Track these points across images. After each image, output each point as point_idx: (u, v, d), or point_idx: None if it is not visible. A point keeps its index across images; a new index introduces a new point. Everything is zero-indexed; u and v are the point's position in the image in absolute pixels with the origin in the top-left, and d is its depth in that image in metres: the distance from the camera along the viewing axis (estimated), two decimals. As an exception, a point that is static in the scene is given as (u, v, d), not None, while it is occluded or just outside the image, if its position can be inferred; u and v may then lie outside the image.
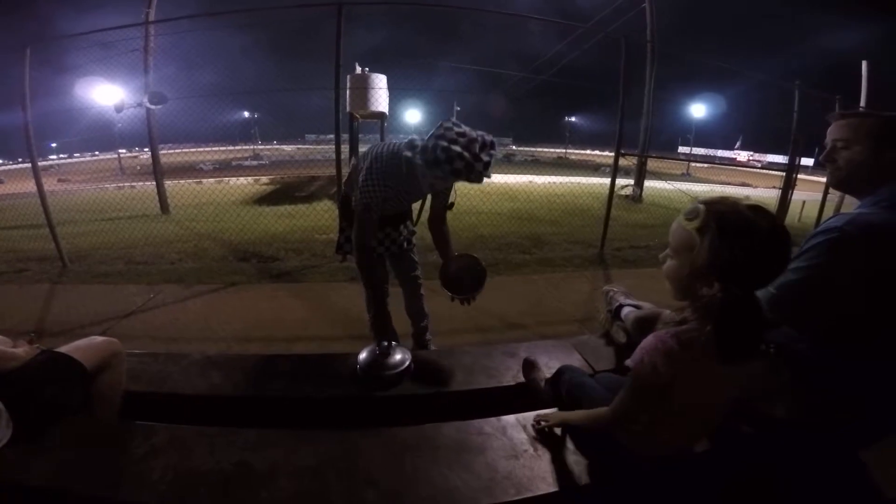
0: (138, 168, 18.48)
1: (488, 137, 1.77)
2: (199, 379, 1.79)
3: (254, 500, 1.19)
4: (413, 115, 38.97)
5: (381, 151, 1.98)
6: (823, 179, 4.22)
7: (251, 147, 36.20)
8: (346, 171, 4.50)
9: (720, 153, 44.23)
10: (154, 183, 8.88)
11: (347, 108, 9.62)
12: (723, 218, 0.96)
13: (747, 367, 1.09)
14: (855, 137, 1.27)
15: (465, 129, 1.75)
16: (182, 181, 10.92)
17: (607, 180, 5.82)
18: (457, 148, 1.67)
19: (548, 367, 1.88)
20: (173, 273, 4.68)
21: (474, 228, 6.53)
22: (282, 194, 11.45)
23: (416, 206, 2.39)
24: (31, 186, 5.04)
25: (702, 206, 0.99)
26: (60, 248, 4.93)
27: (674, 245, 1.06)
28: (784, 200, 6.91)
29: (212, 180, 14.24)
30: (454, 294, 2.11)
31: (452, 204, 2.16)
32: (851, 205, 1.33)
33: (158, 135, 9.24)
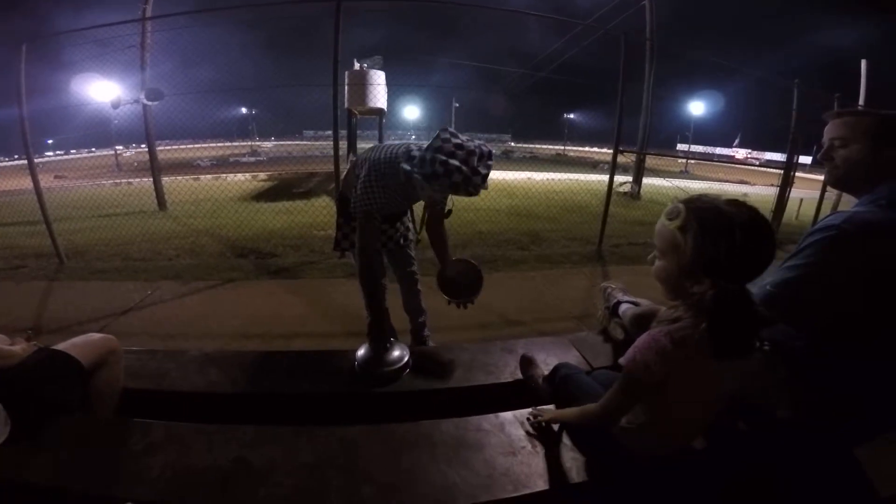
0: (135, 164, 18.43)
1: (486, 148, 1.75)
2: (197, 376, 1.79)
3: (252, 497, 1.19)
4: (412, 112, 38.91)
5: (379, 157, 1.96)
6: (821, 177, 4.23)
7: (249, 143, 36.07)
8: (344, 167, 4.50)
9: (718, 151, 44.27)
10: (151, 179, 8.86)
11: (346, 105, 9.62)
12: (702, 215, 0.98)
13: (743, 363, 1.09)
14: (852, 136, 1.27)
15: (462, 139, 1.73)
16: (179, 177, 10.88)
17: (606, 177, 5.83)
18: (455, 162, 1.66)
19: (545, 363, 1.89)
20: (171, 270, 4.67)
21: (472, 225, 6.52)
22: (280, 190, 11.41)
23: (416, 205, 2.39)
24: (27, 183, 5.02)
25: (681, 206, 1.01)
26: (57, 245, 4.92)
27: (660, 246, 1.07)
28: (782, 198, 6.94)
29: (209, 176, 14.20)
30: (451, 298, 2.12)
31: (450, 211, 2.16)
32: (849, 203, 1.34)
33: (155, 131, 9.20)
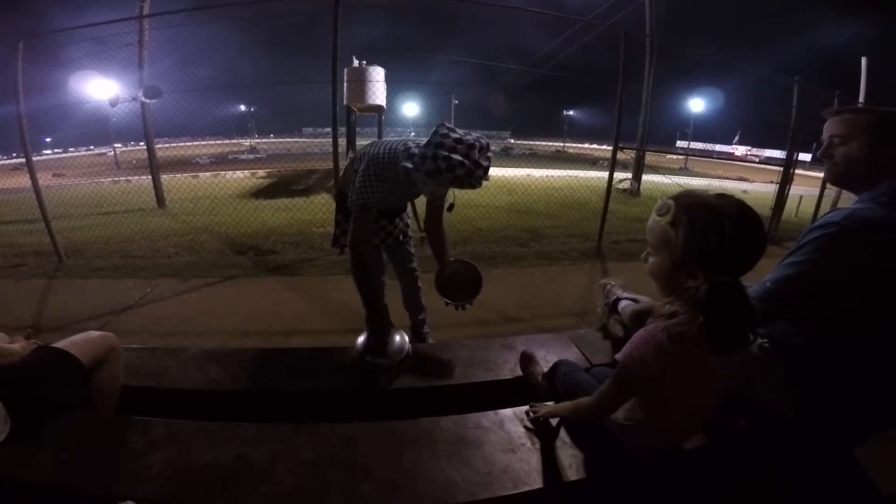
0: (134, 162, 18.40)
1: (484, 140, 1.77)
2: (197, 373, 1.79)
3: (253, 495, 1.19)
4: (411, 109, 38.86)
5: (378, 153, 1.96)
6: (821, 175, 4.23)
7: (248, 140, 36.02)
8: (343, 164, 4.49)
9: (718, 148, 44.26)
10: (150, 177, 8.85)
11: (345, 102, 9.60)
12: (692, 209, 0.99)
13: (739, 357, 1.10)
14: (852, 133, 1.27)
15: (460, 133, 1.74)
16: (178, 175, 10.87)
17: (605, 174, 5.83)
18: (457, 156, 1.67)
19: (545, 360, 1.89)
20: (170, 267, 4.66)
21: (472, 221, 6.52)
22: (279, 187, 11.41)
23: (414, 201, 2.39)
24: (25, 181, 5.01)
25: (671, 201, 1.03)
26: (56, 243, 4.91)
27: (652, 242, 1.08)
28: (781, 195, 6.94)
29: (208, 174, 14.19)
30: (448, 300, 2.12)
31: (452, 205, 2.15)
32: (848, 200, 1.34)
33: (154, 129, 9.18)
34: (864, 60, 8.84)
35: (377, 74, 9.74)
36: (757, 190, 12.39)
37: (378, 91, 9.77)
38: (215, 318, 3.38)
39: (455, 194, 2.02)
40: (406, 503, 1.19)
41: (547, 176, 10.87)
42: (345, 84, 9.26)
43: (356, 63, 9.65)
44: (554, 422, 1.45)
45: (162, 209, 8.45)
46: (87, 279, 4.36)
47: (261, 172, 14.68)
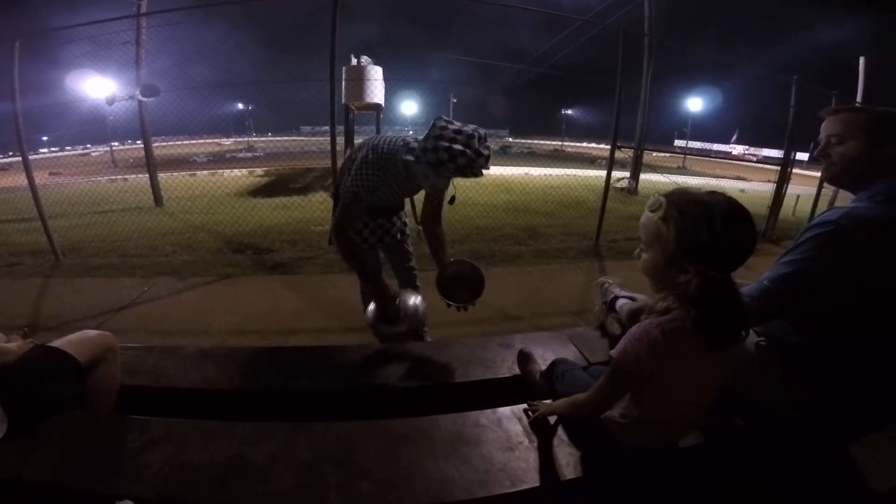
0: (131, 161, 18.33)
1: (482, 130, 1.79)
2: (195, 372, 1.78)
3: (250, 494, 1.19)
4: (409, 107, 38.83)
5: (379, 144, 1.98)
6: (818, 174, 4.24)
7: (245, 139, 35.94)
8: (341, 163, 4.49)
9: (716, 147, 44.32)
10: (147, 175, 8.82)
11: (343, 100, 9.58)
12: (682, 204, 1.00)
13: (734, 355, 1.10)
14: (849, 132, 1.27)
15: (458, 125, 1.77)
16: (176, 173, 10.84)
17: (603, 173, 5.83)
18: (458, 146, 1.69)
19: (543, 358, 1.89)
20: (167, 266, 4.65)
21: (470, 220, 6.52)
22: (277, 186, 11.38)
23: (416, 200, 2.39)
24: (21, 179, 4.99)
25: (662, 198, 1.04)
26: (53, 242, 4.89)
27: (644, 238, 1.09)
28: (779, 194, 6.96)
29: (206, 172, 14.14)
30: (451, 302, 2.10)
31: (453, 198, 2.15)
32: (846, 199, 1.34)
33: (151, 127, 9.16)
34: (861, 60, 8.86)
35: (375, 73, 9.72)
36: (754, 189, 12.43)
37: (376, 89, 9.74)
38: (213, 317, 3.37)
39: (455, 187, 2.03)
40: (404, 501, 1.19)
41: (545, 174, 10.87)
42: (343, 82, 9.23)
43: (354, 61, 9.62)
44: (552, 420, 1.45)
45: (159, 208, 8.43)
46: (84, 278, 4.35)
47: (259, 171, 14.65)
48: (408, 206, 2.46)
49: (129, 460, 1.29)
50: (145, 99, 8.31)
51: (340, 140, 7.45)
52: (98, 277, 4.35)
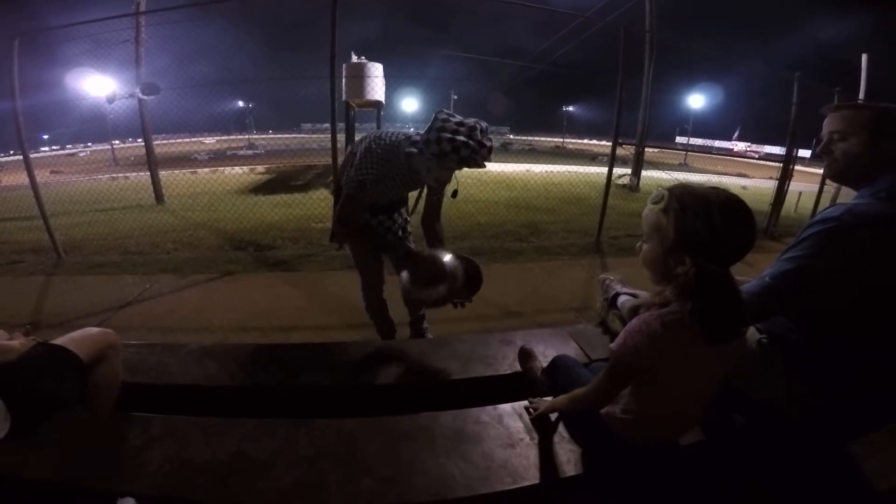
0: (132, 159, 18.35)
1: (482, 123, 1.80)
2: (196, 369, 1.79)
3: (251, 490, 1.20)
4: (410, 104, 38.78)
5: (381, 136, 1.99)
6: (820, 171, 4.23)
7: (246, 136, 35.92)
8: (342, 160, 4.48)
9: (717, 144, 44.22)
10: (148, 173, 8.83)
11: (344, 97, 9.57)
12: (683, 197, 1.02)
13: (734, 350, 1.11)
14: (851, 129, 1.27)
15: (460, 118, 1.79)
16: (177, 171, 10.84)
17: (604, 169, 5.82)
18: (461, 137, 1.72)
19: (544, 355, 1.89)
20: (169, 263, 4.66)
21: (471, 216, 6.52)
22: (278, 183, 11.39)
23: (412, 195, 2.38)
24: (23, 178, 4.99)
25: (665, 191, 1.06)
26: (55, 240, 4.90)
27: (645, 230, 1.11)
28: (781, 191, 6.94)
29: (207, 170, 14.15)
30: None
31: (456, 192, 2.15)
32: (848, 196, 1.33)
33: (152, 125, 9.16)
34: (864, 57, 8.83)
35: (376, 70, 9.71)
36: (756, 186, 12.38)
37: (377, 86, 9.73)
38: (214, 314, 3.38)
39: (458, 182, 2.03)
40: (404, 498, 1.19)
41: (546, 171, 10.84)
42: (343, 80, 9.21)
43: (355, 58, 9.61)
44: (553, 417, 1.45)
45: (160, 205, 8.44)
46: (86, 276, 4.36)
47: (259, 168, 14.66)
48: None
49: (130, 458, 1.29)
50: (145, 97, 8.30)
51: (341, 137, 7.44)
52: (100, 275, 4.35)
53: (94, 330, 1.59)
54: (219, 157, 20.47)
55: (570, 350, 1.95)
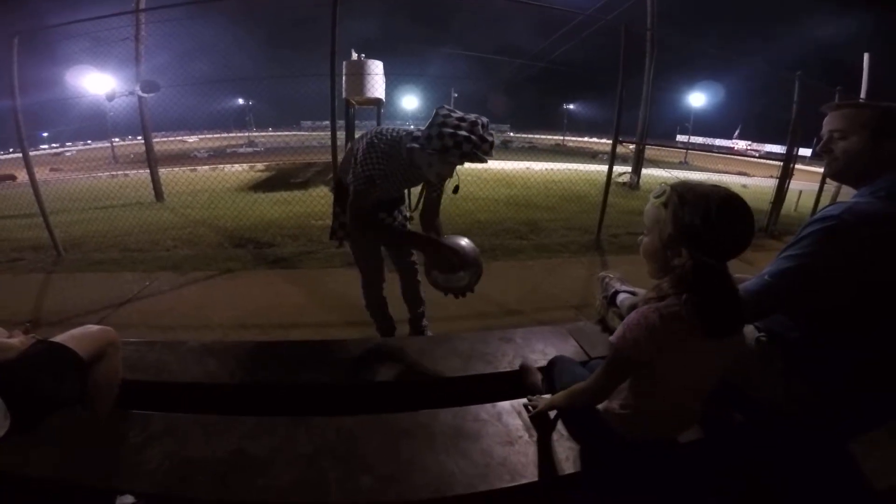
0: (132, 156, 18.33)
1: (483, 118, 1.81)
2: (196, 367, 1.79)
3: (251, 488, 1.20)
4: (410, 102, 38.72)
5: (382, 132, 1.99)
6: (820, 170, 4.22)
7: (246, 134, 35.87)
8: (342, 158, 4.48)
9: (718, 142, 44.17)
10: (148, 171, 8.82)
11: (343, 95, 9.54)
12: (683, 191, 1.05)
13: (733, 346, 1.12)
14: (851, 128, 1.27)
15: (460, 113, 1.80)
16: (176, 168, 10.83)
17: (605, 167, 5.82)
18: (463, 132, 1.72)
19: (543, 353, 1.90)
20: (169, 260, 4.66)
21: (471, 214, 6.52)
22: (277, 181, 11.37)
23: (412, 191, 2.38)
24: (22, 175, 4.98)
25: (667, 186, 1.09)
26: (55, 237, 4.90)
27: (647, 224, 1.14)
28: (781, 190, 6.93)
29: (206, 167, 14.12)
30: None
31: (457, 188, 2.15)
32: (848, 195, 1.33)
33: (152, 123, 9.14)
34: (866, 56, 8.81)
35: (376, 67, 9.67)
36: (757, 184, 12.39)
37: (377, 84, 9.70)
38: (214, 312, 3.38)
39: (459, 177, 2.03)
40: (404, 496, 1.19)
41: (546, 169, 10.83)
42: (343, 77, 9.19)
43: (355, 56, 9.58)
44: (552, 414, 1.45)
45: (160, 203, 8.43)
46: (86, 273, 4.35)
47: (259, 166, 14.64)
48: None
49: (130, 455, 1.30)
50: (145, 95, 8.29)
51: (341, 135, 7.44)
52: (99, 272, 4.35)
53: (94, 327, 1.59)
54: (218, 155, 20.44)
55: (570, 347, 1.95)
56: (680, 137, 44.83)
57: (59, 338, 1.48)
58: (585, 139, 44.91)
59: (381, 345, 2.13)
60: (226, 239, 5.55)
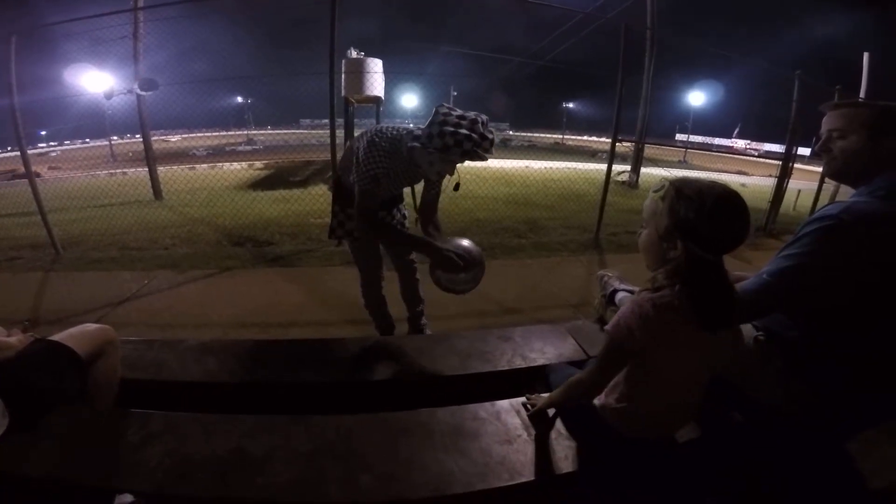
0: (130, 154, 18.29)
1: (483, 116, 1.82)
2: (195, 366, 1.79)
3: (250, 486, 1.20)
4: (409, 100, 38.71)
5: (382, 130, 1.99)
6: (819, 169, 4.22)
7: (245, 132, 35.80)
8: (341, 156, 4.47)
9: (717, 141, 44.18)
10: (146, 169, 8.80)
11: (343, 93, 9.53)
12: (681, 186, 1.07)
13: (725, 338, 1.13)
14: (850, 127, 1.27)
15: (460, 111, 1.80)
16: (175, 167, 10.81)
17: (604, 166, 5.82)
18: (463, 131, 1.73)
19: (542, 352, 1.90)
20: (167, 259, 4.65)
21: (470, 212, 6.53)
22: (276, 179, 11.37)
23: (409, 190, 2.38)
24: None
25: (667, 181, 1.11)
26: (53, 236, 4.89)
27: (645, 217, 1.16)
28: (780, 189, 6.94)
29: (205, 166, 14.10)
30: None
31: (458, 185, 2.15)
32: (847, 195, 1.33)
33: (150, 121, 9.12)
34: (866, 56, 8.81)
35: (375, 66, 9.66)
36: (756, 183, 12.40)
37: (376, 82, 9.69)
38: (213, 310, 3.38)
39: (459, 174, 2.03)
40: (403, 494, 1.19)
41: (546, 168, 10.84)
42: (342, 75, 9.18)
43: (354, 54, 9.57)
44: (550, 413, 1.45)
45: (159, 201, 8.42)
46: (84, 271, 4.35)
47: (258, 164, 14.62)
48: (408, 199, 2.45)
49: (129, 454, 1.30)
50: (144, 93, 8.27)
51: (340, 133, 7.43)
52: (98, 271, 4.34)
53: (93, 326, 1.59)
54: (217, 153, 20.39)
55: (569, 346, 1.95)
56: (679, 136, 44.80)
57: (58, 336, 1.48)
58: (585, 138, 44.85)
59: (380, 343, 2.13)
60: (224, 237, 5.54)
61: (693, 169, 16.79)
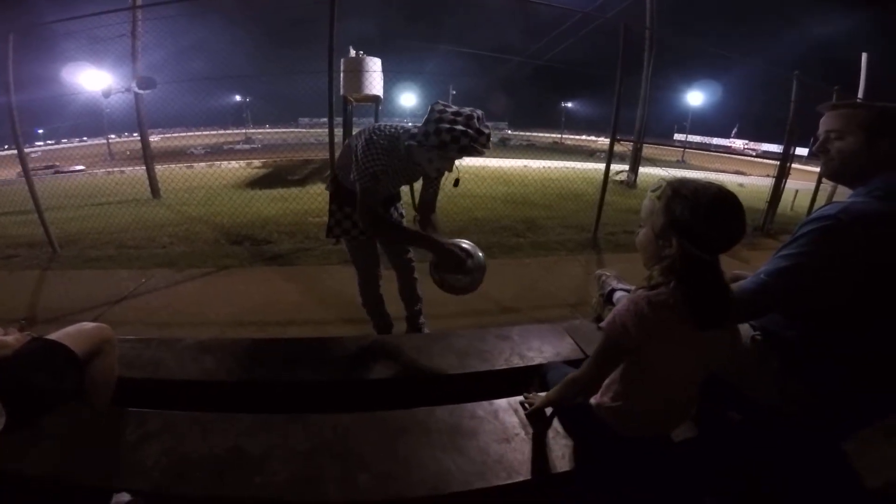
0: (128, 153, 18.24)
1: (478, 111, 1.82)
2: (193, 364, 1.79)
3: (248, 485, 1.20)
4: (408, 99, 38.69)
5: (380, 128, 1.99)
6: (817, 169, 4.23)
7: (243, 131, 35.73)
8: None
9: (716, 141, 44.26)
10: (144, 168, 8.78)
11: (341, 92, 9.52)
12: (677, 185, 1.08)
13: (721, 337, 1.13)
14: (847, 128, 1.27)
15: (455, 108, 1.81)
16: (173, 165, 10.79)
17: (602, 165, 5.83)
18: (459, 127, 1.73)
19: (540, 351, 1.90)
20: (165, 257, 4.64)
21: (469, 211, 6.53)
22: (274, 178, 11.36)
23: (407, 189, 2.38)
24: (18, 172, 4.96)
25: (665, 181, 1.12)
26: (50, 234, 4.87)
27: (643, 216, 1.17)
28: (777, 189, 6.95)
29: (203, 164, 14.08)
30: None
31: (458, 181, 2.16)
32: (844, 195, 1.34)
33: (148, 119, 9.11)
34: (864, 56, 8.83)
35: (374, 64, 9.65)
36: (753, 183, 12.42)
37: (375, 81, 9.68)
38: (210, 309, 3.37)
39: (458, 170, 2.03)
40: (401, 493, 1.19)
41: (544, 167, 10.84)
42: (341, 74, 9.17)
43: (353, 53, 9.56)
44: (548, 411, 1.46)
45: (157, 200, 8.40)
46: (81, 270, 4.34)
47: (256, 163, 14.60)
48: (406, 198, 2.45)
49: (126, 453, 1.29)
50: (142, 91, 8.25)
51: (339, 132, 7.42)
52: (95, 269, 4.33)
53: (90, 325, 1.59)
54: (215, 152, 20.35)
55: (567, 345, 1.95)
56: (677, 136, 44.87)
57: (55, 335, 1.48)
58: (583, 137, 44.88)
59: (378, 342, 2.13)
60: (222, 236, 5.54)
61: (691, 169, 16.81)
